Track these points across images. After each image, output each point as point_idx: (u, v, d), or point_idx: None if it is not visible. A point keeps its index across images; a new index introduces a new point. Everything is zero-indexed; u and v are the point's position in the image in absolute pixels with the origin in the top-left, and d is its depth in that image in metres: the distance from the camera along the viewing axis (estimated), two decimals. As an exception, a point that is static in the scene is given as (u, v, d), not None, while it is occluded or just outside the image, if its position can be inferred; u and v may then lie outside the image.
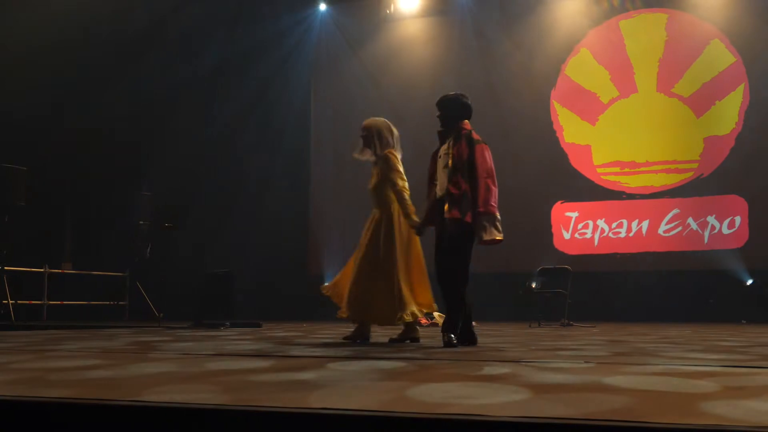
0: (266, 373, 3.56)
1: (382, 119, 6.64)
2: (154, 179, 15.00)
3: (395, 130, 6.63)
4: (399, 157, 6.56)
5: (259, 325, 10.87)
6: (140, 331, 9.08)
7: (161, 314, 12.54)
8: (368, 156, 6.59)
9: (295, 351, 5.16)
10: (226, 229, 15.10)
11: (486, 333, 8.27)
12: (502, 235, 5.78)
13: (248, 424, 2.33)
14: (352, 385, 3.09)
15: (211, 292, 10.81)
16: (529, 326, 10.75)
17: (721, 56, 13.95)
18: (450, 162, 5.87)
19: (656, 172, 14.11)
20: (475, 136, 5.98)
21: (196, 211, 14.99)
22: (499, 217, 5.83)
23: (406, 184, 6.47)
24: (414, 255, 6.36)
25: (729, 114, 13.82)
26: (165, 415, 2.41)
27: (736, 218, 13.53)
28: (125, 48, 14.41)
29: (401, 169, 6.46)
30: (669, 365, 4.04)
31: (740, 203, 13.54)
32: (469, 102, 6.14)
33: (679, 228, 13.82)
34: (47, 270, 12.71)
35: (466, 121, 6.06)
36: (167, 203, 13.04)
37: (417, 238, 6.39)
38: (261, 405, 2.45)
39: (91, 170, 14.07)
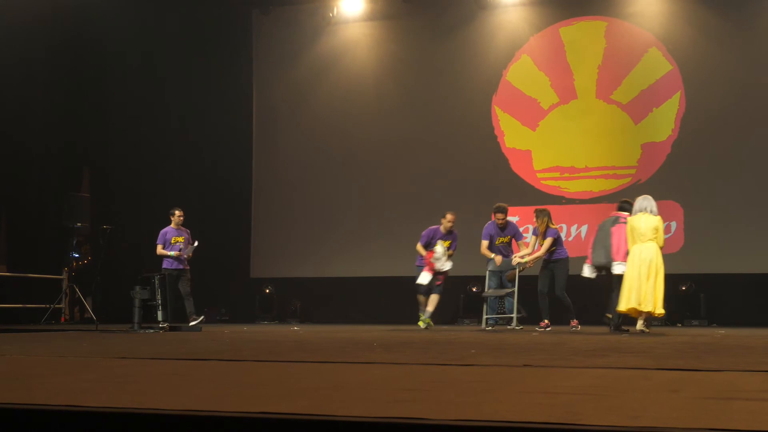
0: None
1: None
2: (92, 181, 14.76)
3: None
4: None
5: (198, 329, 10.77)
6: (66, 334, 8.91)
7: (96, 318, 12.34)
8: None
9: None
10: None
11: (445, 332, 8.29)
12: None
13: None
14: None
15: (148, 295, 10.63)
16: (485, 329, 10.96)
17: (658, 64, 14.20)
18: None
19: (595, 177, 14.30)
20: None
21: (135, 213, 14.78)
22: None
23: None
24: None
25: (666, 121, 14.08)
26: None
27: (671, 223, 13.77)
28: (60, 51, 14.12)
29: None
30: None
31: (676, 209, 13.79)
32: None
33: (617, 233, 14.02)
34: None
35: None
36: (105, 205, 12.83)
37: None
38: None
39: (27, 171, 13.77)
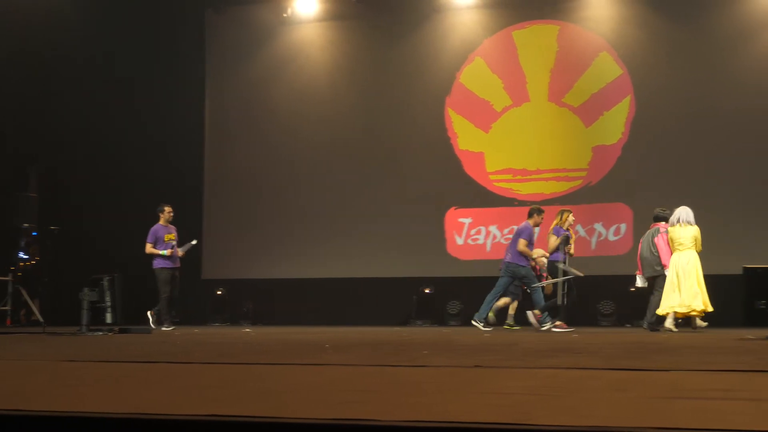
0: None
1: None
2: (40, 180, 14.50)
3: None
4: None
5: (148, 331, 10.64)
6: (12, 337, 8.76)
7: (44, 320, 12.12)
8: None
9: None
10: (116, 232, 14.69)
11: (397, 333, 8.29)
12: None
13: None
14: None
15: (97, 297, 10.46)
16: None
17: (608, 68, 14.39)
18: None
19: (547, 179, 14.44)
20: None
21: (84, 213, 14.56)
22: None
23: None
24: None
25: (616, 124, 14.27)
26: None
27: (621, 225, 13.97)
28: (5, 49, 13.87)
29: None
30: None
31: (626, 211, 13.99)
32: None
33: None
34: None
35: None
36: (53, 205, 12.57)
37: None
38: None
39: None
